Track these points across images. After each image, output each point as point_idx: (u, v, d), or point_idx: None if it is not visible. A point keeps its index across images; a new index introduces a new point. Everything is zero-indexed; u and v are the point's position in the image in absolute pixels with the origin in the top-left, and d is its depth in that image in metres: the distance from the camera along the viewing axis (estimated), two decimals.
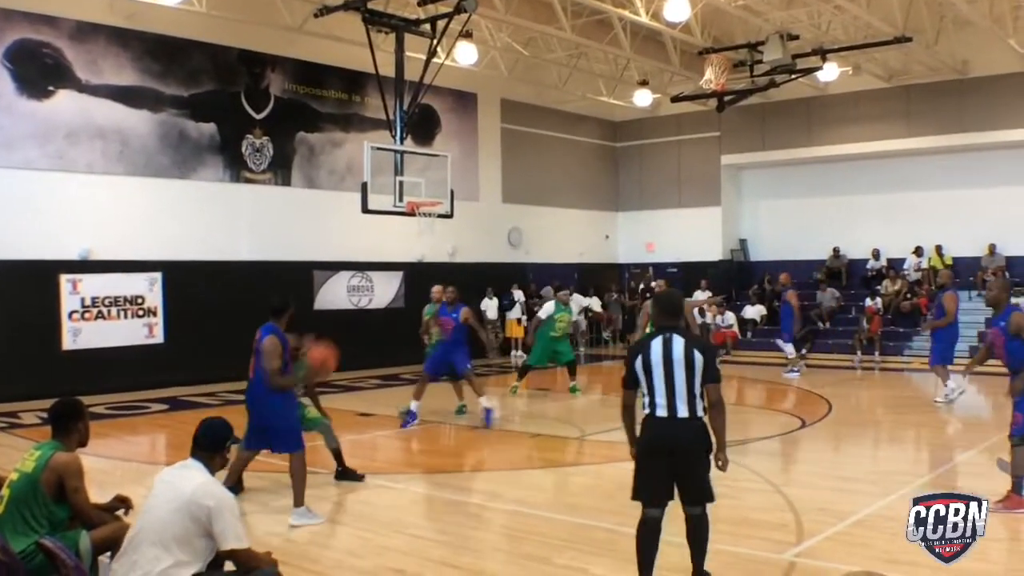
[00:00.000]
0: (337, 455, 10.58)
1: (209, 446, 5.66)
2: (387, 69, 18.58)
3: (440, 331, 14.93)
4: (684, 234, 30.26)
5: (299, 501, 8.86)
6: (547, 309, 17.87)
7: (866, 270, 27.72)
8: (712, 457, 6.43)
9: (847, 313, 26.63)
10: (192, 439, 5.69)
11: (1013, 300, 16.63)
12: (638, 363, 6.40)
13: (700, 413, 6.35)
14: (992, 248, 25.54)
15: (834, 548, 7.83)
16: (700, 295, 27.14)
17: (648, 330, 15.60)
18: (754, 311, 27.73)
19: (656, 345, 6.38)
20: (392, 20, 18.41)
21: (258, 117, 21.51)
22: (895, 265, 26.89)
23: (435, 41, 18.46)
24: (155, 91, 19.61)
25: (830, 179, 28.66)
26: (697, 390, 6.33)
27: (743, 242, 30.65)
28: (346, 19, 18.99)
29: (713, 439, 6.42)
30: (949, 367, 16.39)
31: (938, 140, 25.99)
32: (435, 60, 18.61)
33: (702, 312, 25.07)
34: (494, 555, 8.01)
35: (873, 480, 10.59)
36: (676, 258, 30.21)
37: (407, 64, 18.62)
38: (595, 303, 28.81)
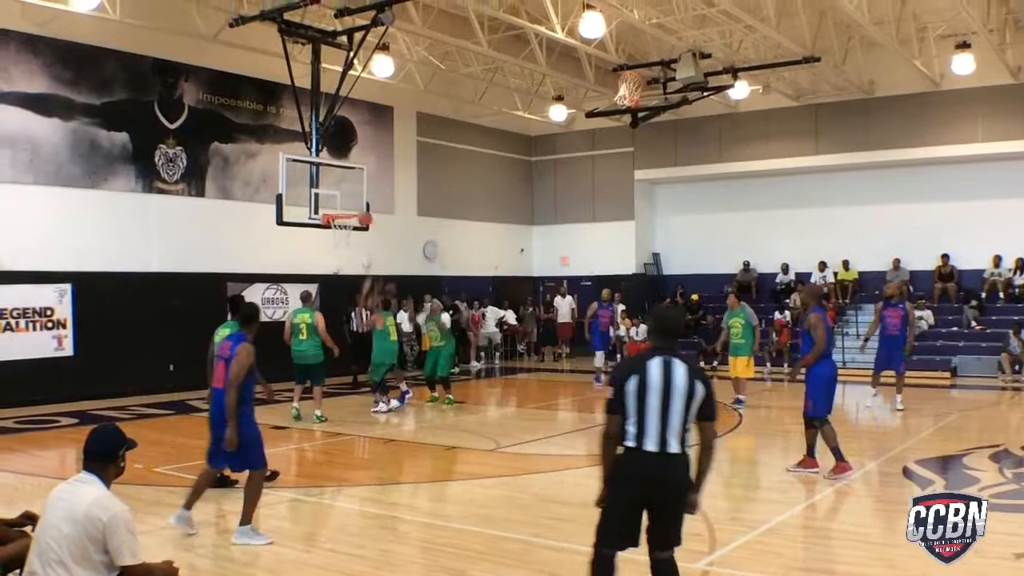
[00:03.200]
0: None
1: (101, 455, 5.40)
2: (303, 81, 18.44)
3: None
4: (598, 248, 30.57)
5: (247, 519, 8.60)
6: (419, 319, 19.97)
7: (775, 284, 28.25)
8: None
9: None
10: (83, 451, 5.44)
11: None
12: (631, 386, 5.62)
13: (686, 449, 5.68)
14: (897, 263, 26.22)
15: (746, 557, 8.00)
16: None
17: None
18: None
19: (655, 368, 5.64)
20: (308, 31, 18.30)
21: (171, 127, 21.24)
22: (803, 279, 27.43)
23: (352, 53, 18.41)
24: (67, 99, 19.25)
25: (740, 195, 29.20)
26: (688, 424, 5.66)
27: (656, 256, 31.04)
28: (262, 29, 18.87)
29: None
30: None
31: (845, 157, 26.64)
32: (351, 72, 18.55)
33: (616, 325, 25.28)
34: (410, 568, 8.04)
35: (783, 489, 10.83)
36: (590, 272, 30.48)
37: (323, 76, 18.52)
38: (510, 316, 28.93)
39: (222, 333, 10.84)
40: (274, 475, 10.99)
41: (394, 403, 17.74)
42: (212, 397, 9.00)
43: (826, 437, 11.09)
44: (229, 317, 11.35)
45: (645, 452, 5.58)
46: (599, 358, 21.57)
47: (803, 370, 11.35)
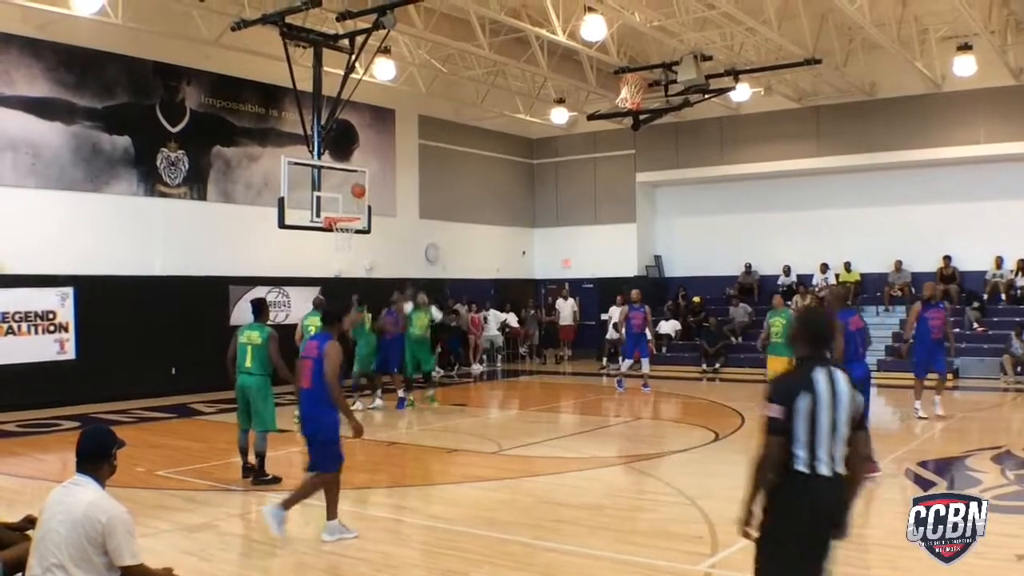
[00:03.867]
0: (252, 453, 11.44)
1: (95, 456, 5.38)
2: (305, 84, 18.44)
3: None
4: (600, 250, 30.56)
5: (332, 514, 8.84)
6: (406, 309, 19.15)
7: (777, 286, 28.16)
8: None
9: (759, 328, 27.03)
10: (76, 453, 5.40)
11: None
12: (802, 405, 4.97)
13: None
14: (899, 265, 26.21)
15: (748, 559, 7.88)
16: (616, 310, 27.43)
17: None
18: (669, 326, 28.13)
19: (822, 382, 5.02)
20: (310, 35, 18.31)
21: (173, 130, 21.24)
22: (805, 281, 27.40)
23: (353, 57, 18.41)
24: (69, 103, 19.27)
25: (742, 197, 29.19)
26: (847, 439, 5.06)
27: (658, 258, 31.02)
28: (263, 33, 18.86)
29: None
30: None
31: (846, 159, 26.62)
32: (353, 76, 18.53)
33: (616, 328, 25.30)
34: (413, 571, 8.03)
35: None
36: (592, 274, 30.50)
37: (325, 79, 18.53)
38: (512, 318, 28.94)
39: (248, 334, 11.36)
40: (276, 479, 11.11)
41: (378, 402, 18.38)
42: (301, 396, 9.04)
43: None
44: (253, 319, 11.69)
45: (821, 478, 4.96)
46: (627, 364, 21.25)
47: None
